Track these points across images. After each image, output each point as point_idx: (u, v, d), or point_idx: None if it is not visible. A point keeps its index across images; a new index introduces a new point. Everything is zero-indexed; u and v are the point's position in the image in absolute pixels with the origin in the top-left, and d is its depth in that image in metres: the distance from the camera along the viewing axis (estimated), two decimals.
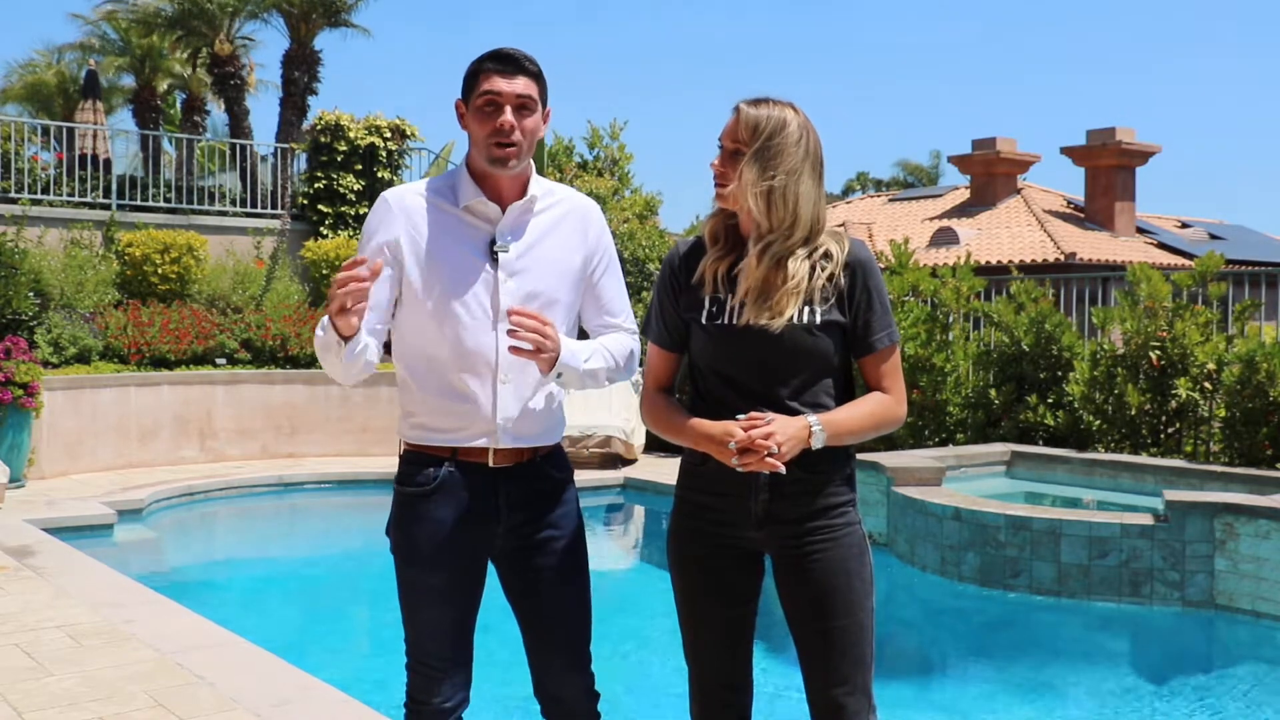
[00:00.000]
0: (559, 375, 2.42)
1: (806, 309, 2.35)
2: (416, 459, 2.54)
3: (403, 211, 2.50)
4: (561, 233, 2.59)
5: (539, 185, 2.58)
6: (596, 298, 2.65)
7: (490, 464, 2.52)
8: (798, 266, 2.34)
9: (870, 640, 2.42)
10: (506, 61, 2.46)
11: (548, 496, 2.59)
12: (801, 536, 2.39)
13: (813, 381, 2.38)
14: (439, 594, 2.52)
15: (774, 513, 2.39)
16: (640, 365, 2.77)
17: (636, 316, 2.67)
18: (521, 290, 2.49)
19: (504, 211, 2.52)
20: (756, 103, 2.38)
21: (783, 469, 2.24)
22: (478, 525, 2.52)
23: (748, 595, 2.50)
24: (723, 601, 2.48)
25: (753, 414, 2.28)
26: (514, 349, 2.33)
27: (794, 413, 2.33)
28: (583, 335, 2.65)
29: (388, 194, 2.54)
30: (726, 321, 2.39)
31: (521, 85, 2.46)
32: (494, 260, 2.49)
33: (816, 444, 2.30)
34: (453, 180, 2.55)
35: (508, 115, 2.44)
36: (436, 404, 2.50)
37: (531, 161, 2.55)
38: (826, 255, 2.38)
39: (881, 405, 2.41)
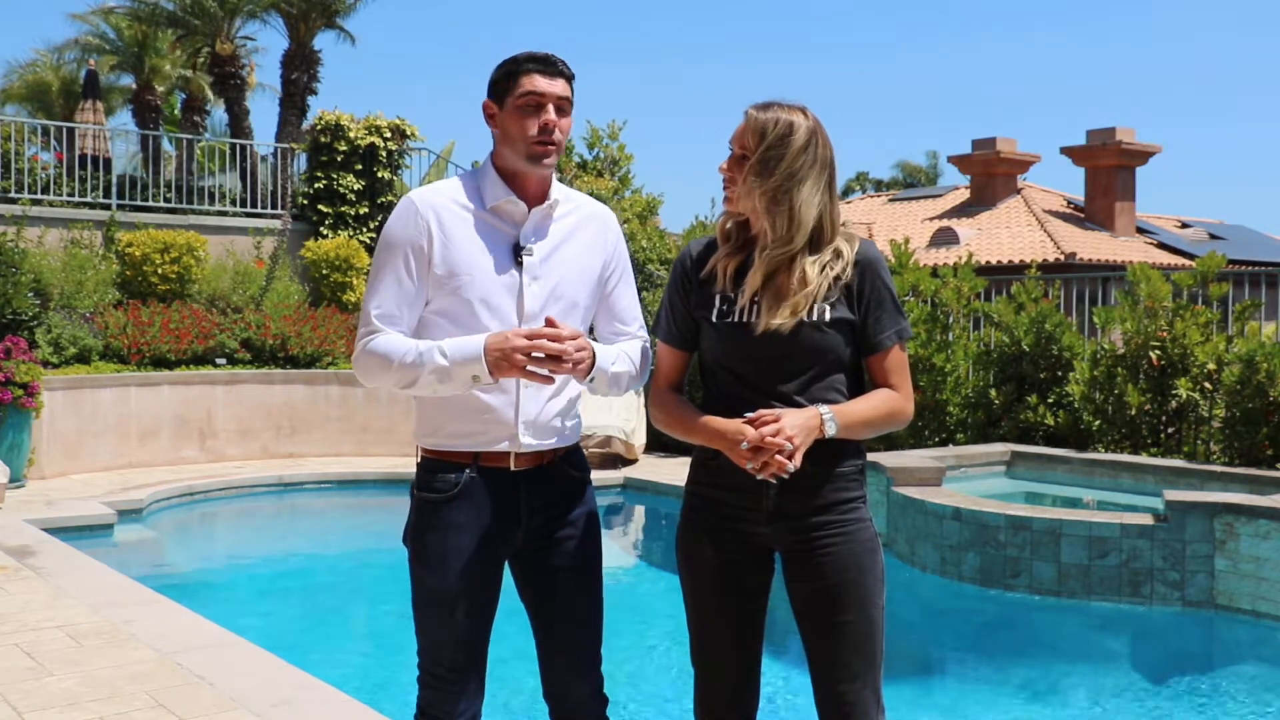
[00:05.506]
0: (591, 380, 2.44)
1: (816, 306, 2.36)
2: (436, 465, 2.52)
3: (429, 213, 2.49)
4: (582, 237, 2.61)
5: (558, 190, 2.60)
6: (610, 306, 2.67)
7: (511, 468, 2.51)
8: (809, 271, 2.35)
9: (881, 637, 2.42)
10: (547, 63, 2.49)
11: (567, 497, 2.59)
12: (812, 531, 2.39)
13: (822, 377, 2.38)
14: (457, 601, 2.48)
15: (784, 508, 2.38)
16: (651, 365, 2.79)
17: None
18: (545, 292, 2.50)
19: (529, 212, 2.53)
20: (765, 107, 2.38)
21: (791, 468, 2.23)
22: (499, 530, 2.51)
23: (757, 591, 2.49)
24: (732, 597, 2.47)
25: (761, 411, 2.28)
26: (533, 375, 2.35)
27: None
28: None
29: (414, 195, 2.53)
30: (736, 319, 2.39)
31: (560, 87, 2.50)
32: (519, 263, 2.50)
33: (830, 432, 2.30)
34: (477, 181, 2.56)
35: (550, 114, 2.47)
36: (458, 408, 2.48)
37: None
38: (836, 254, 2.39)
39: (889, 400, 2.41)
